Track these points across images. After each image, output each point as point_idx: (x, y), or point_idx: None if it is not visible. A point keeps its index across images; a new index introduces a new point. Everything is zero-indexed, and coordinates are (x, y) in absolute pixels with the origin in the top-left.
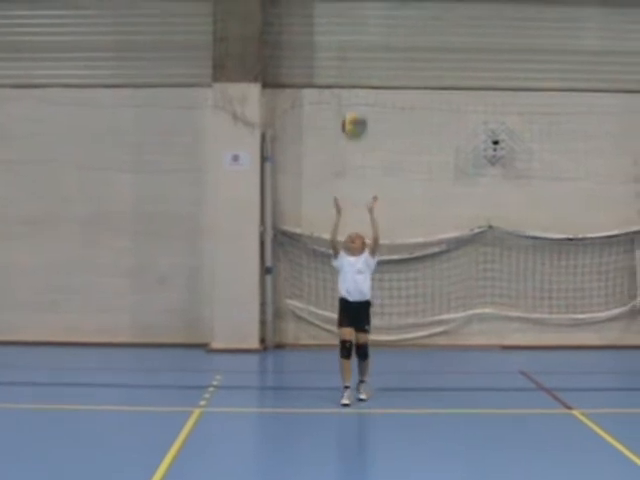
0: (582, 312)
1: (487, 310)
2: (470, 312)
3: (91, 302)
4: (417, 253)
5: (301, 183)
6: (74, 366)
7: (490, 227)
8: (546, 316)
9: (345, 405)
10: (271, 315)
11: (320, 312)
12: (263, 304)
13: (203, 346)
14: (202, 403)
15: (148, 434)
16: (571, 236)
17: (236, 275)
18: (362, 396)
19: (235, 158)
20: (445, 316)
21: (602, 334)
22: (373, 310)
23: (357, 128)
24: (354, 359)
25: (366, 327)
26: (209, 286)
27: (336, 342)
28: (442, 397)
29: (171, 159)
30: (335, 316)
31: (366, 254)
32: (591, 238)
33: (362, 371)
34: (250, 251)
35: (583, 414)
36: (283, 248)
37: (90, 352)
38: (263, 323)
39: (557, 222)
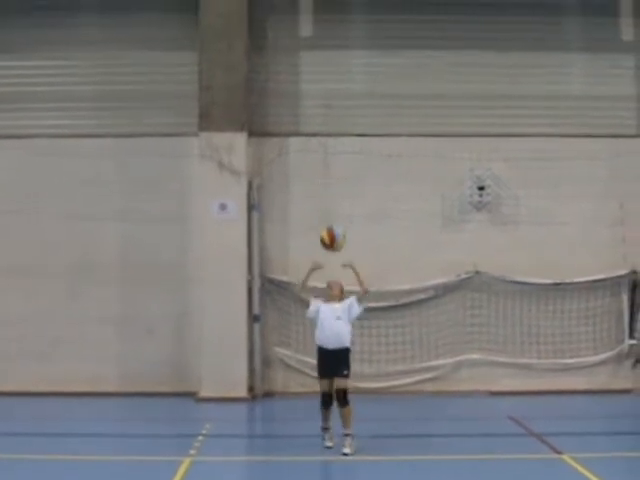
0: (570, 357)
1: (475, 356)
2: (458, 358)
3: (78, 352)
4: (404, 300)
5: (288, 231)
6: (61, 416)
7: (477, 272)
8: (534, 361)
9: (328, 447)
10: (259, 363)
11: (308, 360)
12: (251, 352)
13: (192, 395)
14: (192, 452)
15: None
16: (558, 281)
17: (224, 323)
18: (346, 450)
19: (222, 207)
20: (433, 362)
21: (590, 378)
22: (359, 357)
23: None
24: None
25: (345, 372)
26: (197, 335)
27: None
28: (431, 444)
29: (157, 208)
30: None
31: (350, 301)
32: (578, 283)
33: (344, 422)
34: (238, 299)
35: (573, 458)
36: (271, 296)
37: (78, 402)
38: (251, 371)
39: (544, 267)
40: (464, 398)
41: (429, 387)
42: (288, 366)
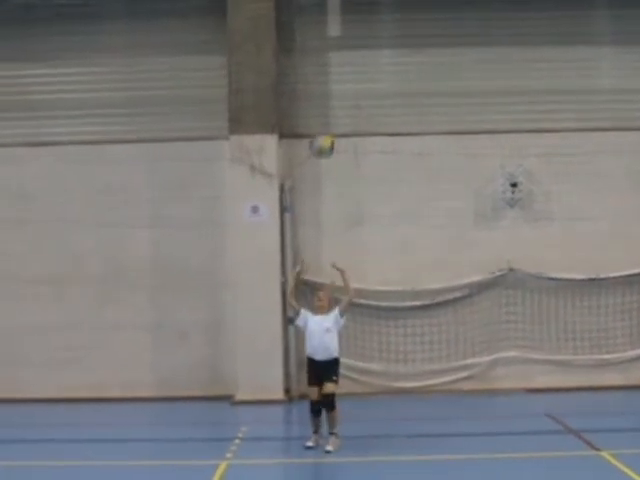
0: (607, 352)
1: (511, 353)
2: (494, 356)
3: (112, 358)
4: (439, 298)
5: (321, 232)
6: (97, 422)
7: (511, 270)
8: (570, 357)
9: (309, 447)
10: (295, 365)
11: (343, 360)
12: (286, 355)
13: (227, 398)
14: (228, 456)
15: None
16: (593, 276)
17: (259, 326)
18: (329, 447)
19: (254, 210)
20: (469, 361)
21: (627, 374)
22: (394, 357)
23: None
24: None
25: (333, 377)
26: (231, 339)
27: (361, 390)
28: (468, 443)
29: (189, 213)
30: (359, 364)
31: (335, 314)
32: (612, 277)
33: (330, 423)
34: (272, 302)
35: (612, 455)
36: (305, 298)
37: (113, 408)
38: (287, 374)
39: (578, 262)
40: (501, 396)
41: (465, 386)
42: None
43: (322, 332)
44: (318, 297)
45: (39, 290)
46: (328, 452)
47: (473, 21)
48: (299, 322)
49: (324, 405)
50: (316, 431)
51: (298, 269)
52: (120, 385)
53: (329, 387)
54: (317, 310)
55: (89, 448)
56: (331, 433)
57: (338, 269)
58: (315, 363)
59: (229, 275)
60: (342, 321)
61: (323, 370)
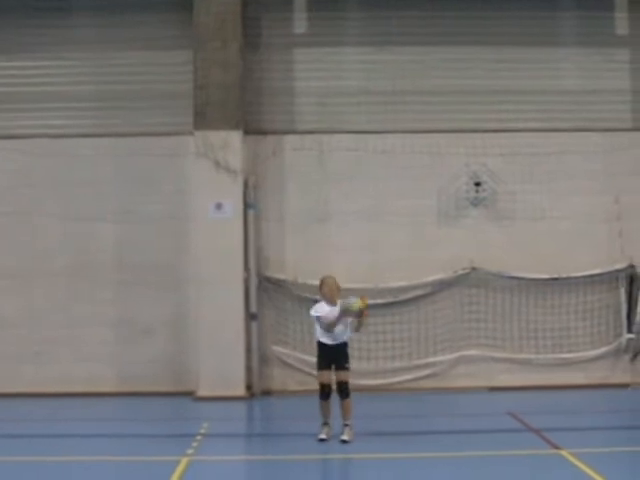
0: (568, 351)
1: (473, 352)
2: (456, 354)
3: (75, 353)
4: (401, 297)
5: (284, 229)
6: (58, 417)
7: (474, 269)
8: (532, 356)
9: (322, 440)
10: (257, 362)
11: (306, 358)
12: (249, 351)
13: (189, 394)
14: (190, 452)
15: None
16: (555, 276)
17: (221, 322)
18: (345, 437)
19: (218, 206)
20: (431, 359)
21: (589, 373)
22: (357, 355)
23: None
24: (335, 400)
25: (346, 365)
26: (194, 334)
27: None
28: (429, 441)
29: (153, 208)
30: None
31: (338, 308)
32: (575, 277)
33: (344, 413)
34: (235, 298)
35: (572, 454)
36: (268, 294)
37: (74, 403)
38: (249, 370)
39: (541, 262)
40: (462, 394)
41: (427, 384)
42: (286, 364)
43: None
44: (329, 287)
45: (3, 283)
46: (344, 442)
47: (439, 20)
48: (314, 312)
49: (339, 393)
50: (326, 422)
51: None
52: (82, 380)
53: (342, 375)
54: (329, 301)
55: (49, 443)
56: (345, 424)
57: (361, 311)
58: (327, 347)
59: (192, 271)
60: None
61: (334, 354)
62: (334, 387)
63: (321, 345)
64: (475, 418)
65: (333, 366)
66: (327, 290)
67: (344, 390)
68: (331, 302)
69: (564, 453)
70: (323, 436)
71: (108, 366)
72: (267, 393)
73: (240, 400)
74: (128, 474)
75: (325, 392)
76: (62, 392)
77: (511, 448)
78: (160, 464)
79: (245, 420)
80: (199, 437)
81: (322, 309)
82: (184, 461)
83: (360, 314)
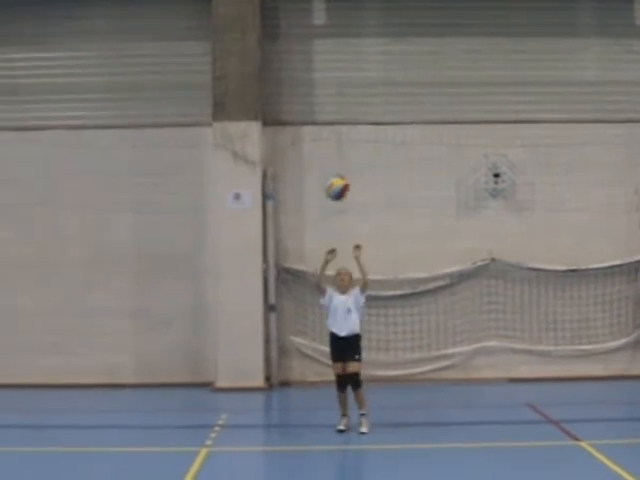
0: (587, 343)
1: (492, 343)
2: (475, 345)
3: (94, 344)
4: (421, 288)
5: (303, 220)
6: (78, 408)
7: (493, 260)
8: (551, 348)
9: (340, 431)
10: (276, 353)
11: (325, 348)
12: (267, 342)
13: (208, 385)
14: (208, 443)
15: (155, 475)
16: (574, 267)
17: (240, 313)
18: (363, 429)
19: (237, 197)
20: (451, 350)
21: (608, 365)
22: (375, 346)
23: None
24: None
25: (356, 357)
26: (213, 325)
27: None
28: (448, 432)
29: (171, 199)
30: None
31: (355, 292)
32: (594, 269)
33: (359, 403)
34: (254, 289)
35: (591, 445)
36: (287, 285)
37: (94, 394)
38: (268, 361)
39: (560, 253)
40: (482, 385)
41: (446, 375)
42: (304, 355)
43: (345, 311)
44: (340, 277)
45: (22, 274)
46: (363, 433)
47: (458, 11)
48: (325, 301)
49: (350, 383)
50: (345, 413)
51: (330, 249)
52: (100, 371)
53: (354, 366)
54: (340, 289)
55: (69, 434)
56: (362, 414)
57: (357, 256)
58: (338, 339)
59: (211, 261)
60: (362, 299)
61: (346, 346)
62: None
63: (332, 336)
64: (494, 409)
65: (346, 358)
66: (338, 279)
67: (355, 381)
68: (342, 291)
69: (583, 445)
70: (341, 427)
71: (127, 357)
72: (286, 384)
73: (259, 391)
74: (147, 465)
75: (341, 383)
76: (80, 383)
77: (530, 439)
78: (179, 455)
79: (263, 411)
80: (218, 428)
81: (331, 294)
82: (203, 452)
83: (343, 191)
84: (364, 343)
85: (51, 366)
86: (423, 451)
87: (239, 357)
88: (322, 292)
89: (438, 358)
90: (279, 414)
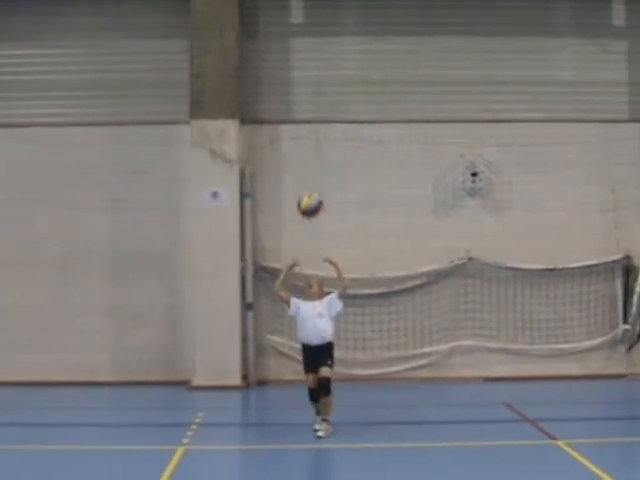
0: (564, 342)
1: (469, 342)
2: (452, 344)
3: (68, 341)
4: (398, 286)
5: (280, 218)
6: (52, 406)
7: (470, 259)
8: (528, 347)
9: (317, 430)
10: (253, 351)
11: (299, 347)
12: (245, 340)
13: (185, 384)
14: (185, 441)
15: (132, 473)
16: (551, 266)
17: (217, 312)
18: (320, 433)
19: (214, 195)
20: (427, 349)
21: (584, 364)
22: (352, 345)
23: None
24: None
25: (328, 362)
26: (189, 324)
27: None
28: (425, 430)
29: (148, 197)
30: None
31: (331, 297)
32: (571, 268)
33: (324, 409)
34: (231, 287)
35: (568, 444)
36: (264, 284)
37: (69, 392)
38: (245, 359)
39: (536, 252)
40: (458, 384)
41: (423, 374)
42: (282, 354)
43: (315, 317)
44: (309, 284)
45: None
46: (319, 437)
47: (436, 10)
48: (291, 311)
49: (319, 389)
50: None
51: (291, 263)
52: (76, 369)
53: (324, 371)
54: (308, 297)
55: (42, 432)
56: (323, 419)
57: (331, 262)
58: (310, 349)
59: (188, 260)
60: (340, 305)
61: (318, 355)
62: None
63: (305, 347)
64: (470, 408)
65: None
66: (307, 287)
67: (325, 386)
68: (311, 299)
69: (560, 443)
70: (318, 427)
71: (103, 355)
72: (263, 383)
73: (236, 390)
74: (123, 463)
75: (313, 395)
76: (55, 381)
77: (507, 438)
78: (156, 453)
79: (241, 410)
80: (194, 426)
81: (297, 304)
82: (180, 450)
83: (315, 209)
84: (340, 341)
85: (25, 363)
86: (399, 450)
87: (216, 355)
88: (286, 302)
89: (414, 357)
90: (256, 413)
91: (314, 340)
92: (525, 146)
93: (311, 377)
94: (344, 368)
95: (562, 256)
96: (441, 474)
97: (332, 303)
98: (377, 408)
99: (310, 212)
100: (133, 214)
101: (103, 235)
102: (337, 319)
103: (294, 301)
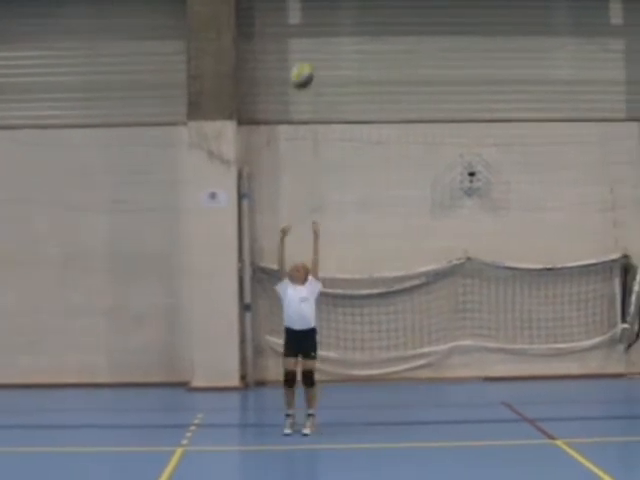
0: (563, 342)
1: (468, 342)
2: (451, 344)
3: (67, 342)
4: (396, 287)
5: (278, 219)
6: (51, 407)
7: (468, 259)
8: (527, 346)
9: (287, 435)
10: (251, 352)
11: None
12: (243, 341)
13: (183, 385)
14: (184, 442)
15: (130, 475)
16: (550, 266)
17: (215, 313)
18: (306, 431)
19: (212, 196)
20: (426, 349)
21: (583, 363)
22: (351, 345)
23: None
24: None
25: (312, 354)
26: (188, 325)
27: (317, 378)
28: (424, 430)
29: (147, 198)
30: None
31: (310, 279)
32: (569, 267)
33: (309, 402)
34: (229, 288)
35: (567, 444)
36: (262, 284)
37: (68, 393)
38: (243, 360)
39: (535, 252)
40: (457, 384)
41: (422, 374)
42: (280, 354)
43: (298, 301)
44: (296, 268)
45: None
46: (305, 435)
47: (434, 10)
48: (279, 288)
49: (303, 381)
50: (290, 413)
51: (283, 230)
52: (75, 370)
53: (308, 364)
54: (295, 280)
55: (42, 434)
56: (309, 415)
57: (315, 232)
58: (293, 333)
59: (186, 261)
60: (319, 286)
61: (301, 341)
62: (299, 377)
63: (287, 331)
64: (469, 408)
65: (300, 355)
66: (294, 271)
67: (309, 379)
68: (297, 283)
69: (559, 443)
70: (287, 431)
71: (102, 356)
72: (261, 383)
73: (234, 390)
74: (122, 465)
75: (289, 379)
76: (55, 382)
77: (506, 438)
78: (155, 454)
79: (239, 411)
80: (193, 427)
81: (286, 284)
82: (179, 451)
83: (308, 80)
84: (339, 342)
85: (25, 365)
86: (399, 450)
87: (214, 356)
88: (282, 275)
89: (413, 357)
90: (255, 413)
91: (297, 324)
92: (523, 146)
93: (290, 361)
94: (343, 368)
95: (560, 255)
96: (441, 474)
97: (312, 284)
98: (376, 408)
99: (300, 85)
100: (131, 215)
101: (102, 236)
102: (318, 300)
103: (285, 281)
